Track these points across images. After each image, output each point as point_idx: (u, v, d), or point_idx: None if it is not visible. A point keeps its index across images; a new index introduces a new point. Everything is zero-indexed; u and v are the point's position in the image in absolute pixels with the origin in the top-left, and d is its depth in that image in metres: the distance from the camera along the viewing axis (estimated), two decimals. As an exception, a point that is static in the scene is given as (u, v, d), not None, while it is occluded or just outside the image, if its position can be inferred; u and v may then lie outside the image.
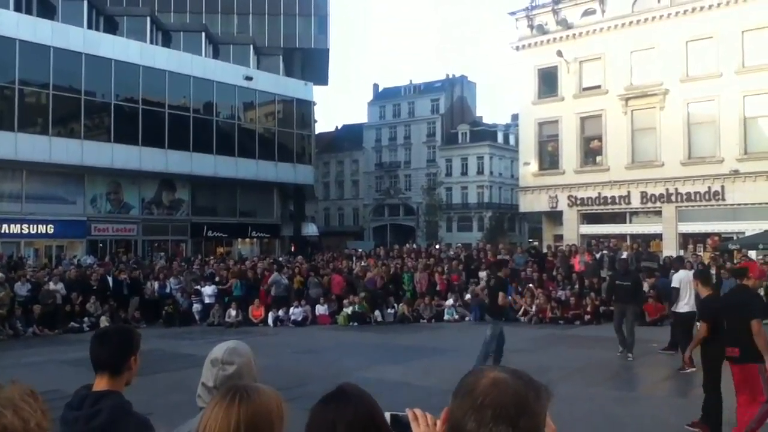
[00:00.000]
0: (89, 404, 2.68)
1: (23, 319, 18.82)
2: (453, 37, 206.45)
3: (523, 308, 20.34)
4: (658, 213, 27.62)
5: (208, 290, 22.02)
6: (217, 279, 22.87)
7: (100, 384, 2.77)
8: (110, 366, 2.78)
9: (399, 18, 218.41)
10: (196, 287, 22.39)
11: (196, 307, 21.78)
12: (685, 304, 11.97)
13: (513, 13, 32.25)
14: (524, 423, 1.34)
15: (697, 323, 8.03)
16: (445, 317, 21.00)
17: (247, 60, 38.27)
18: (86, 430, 2.62)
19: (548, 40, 30.56)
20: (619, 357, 12.78)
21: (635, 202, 28.00)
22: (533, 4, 31.57)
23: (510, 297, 20.97)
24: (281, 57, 41.72)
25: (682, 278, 12.26)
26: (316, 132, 49.85)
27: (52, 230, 29.06)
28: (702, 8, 26.32)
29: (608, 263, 21.29)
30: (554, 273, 22.08)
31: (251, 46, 39.23)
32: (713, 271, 19.92)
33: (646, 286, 19.15)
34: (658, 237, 27.39)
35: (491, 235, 54.18)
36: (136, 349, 2.86)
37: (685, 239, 26.91)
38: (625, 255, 21.80)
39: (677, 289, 12.22)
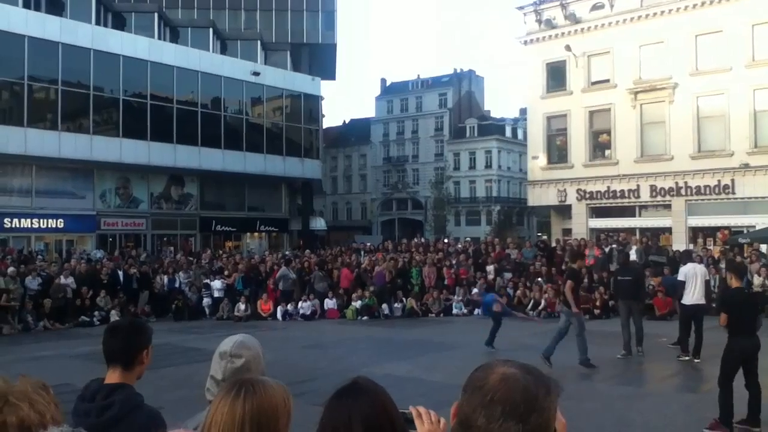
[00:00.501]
0: (102, 397, 2.71)
1: (34, 313, 18.98)
2: (461, 32, 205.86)
3: (532, 302, 20.35)
4: (668, 207, 27.48)
5: (217, 284, 22.12)
6: (226, 273, 22.98)
7: (113, 377, 2.80)
8: (122, 359, 2.81)
9: (406, 13, 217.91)
10: (205, 281, 22.50)
11: (206, 301, 21.88)
12: (690, 297, 12.12)
13: (521, 8, 32.09)
14: (534, 419, 1.34)
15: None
16: (454, 311, 21.03)
17: (255, 55, 38.28)
18: (98, 423, 2.65)
19: (556, 35, 30.39)
20: (620, 358, 12.35)
21: (644, 196, 27.87)
22: (541, -2, 31.41)
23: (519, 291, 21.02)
24: (289, 52, 41.71)
25: (687, 271, 12.41)
26: (324, 127, 49.89)
27: (62, 225, 29.23)
28: (711, 2, 26.11)
29: (617, 257, 21.22)
30: (563, 267, 22.03)
31: (259, 42, 39.23)
32: (722, 266, 19.88)
33: (653, 283, 19.12)
34: (668, 231, 27.25)
35: (499, 229, 54.04)
36: (148, 342, 2.89)
37: (695, 233, 26.77)
38: (634, 249, 21.77)
39: (683, 282, 12.35)
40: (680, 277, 12.72)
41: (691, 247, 25.11)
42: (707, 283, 13.03)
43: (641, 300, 13.44)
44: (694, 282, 12.14)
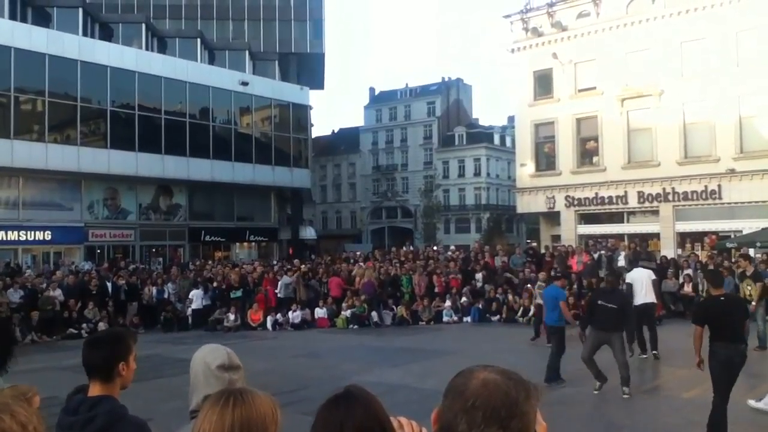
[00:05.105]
0: (85, 409, 2.66)
1: (22, 325, 18.76)
2: (448, 41, 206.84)
3: (521, 309, 20.35)
4: (656, 212, 27.64)
5: (196, 293, 21.84)
6: (215, 284, 22.81)
7: (94, 389, 2.75)
8: (101, 371, 2.75)
9: (395, 22, 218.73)
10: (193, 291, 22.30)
11: (189, 311, 21.66)
12: (638, 298, 13.13)
13: (508, 16, 32.28)
14: (515, 424, 1.36)
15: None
16: (444, 319, 21.00)
17: (243, 65, 38.29)
18: (83, 436, 2.62)
19: (543, 43, 30.60)
20: (596, 393, 10.11)
21: (632, 202, 28.02)
22: (528, 7, 31.60)
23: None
24: (277, 62, 41.74)
25: (633, 276, 13.75)
26: (313, 136, 49.88)
27: (50, 237, 29.01)
28: (696, 9, 26.38)
29: (606, 263, 21.30)
30: (552, 274, 22.01)
31: (247, 52, 39.24)
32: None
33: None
34: (656, 236, 27.40)
35: (489, 236, 54.16)
36: (127, 353, 2.80)
37: (683, 238, 26.94)
38: (623, 255, 21.82)
39: (631, 285, 13.44)
40: (627, 280, 13.75)
41: (680, 252, 25.33)
42: (656, 283, 14.21)
43: (629, 331, 10.71)
44: (641, 284, 13.31)
